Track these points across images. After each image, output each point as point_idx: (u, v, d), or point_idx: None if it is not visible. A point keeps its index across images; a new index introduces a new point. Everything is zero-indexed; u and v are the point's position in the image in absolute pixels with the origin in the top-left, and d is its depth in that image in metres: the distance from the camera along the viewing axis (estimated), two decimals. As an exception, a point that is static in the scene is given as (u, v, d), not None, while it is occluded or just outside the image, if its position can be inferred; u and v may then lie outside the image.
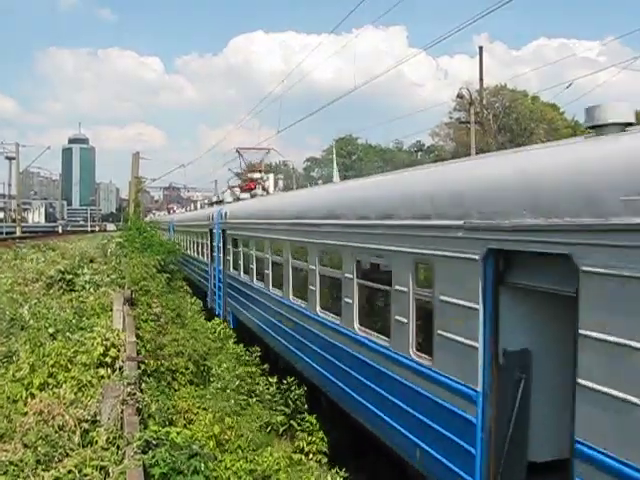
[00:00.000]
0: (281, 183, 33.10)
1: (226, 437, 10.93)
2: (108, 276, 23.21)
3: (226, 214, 26.08)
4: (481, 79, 44.08)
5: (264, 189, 29.77)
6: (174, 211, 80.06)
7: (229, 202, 32.15)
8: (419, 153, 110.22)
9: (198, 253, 35.39)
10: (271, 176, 31.75)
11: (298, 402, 13.74)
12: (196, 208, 63.86)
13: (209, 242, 30.32)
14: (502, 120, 77.88)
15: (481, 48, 44.65)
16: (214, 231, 28.53)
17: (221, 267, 26.92)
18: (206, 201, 59.22)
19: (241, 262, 22.49)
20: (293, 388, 14.03)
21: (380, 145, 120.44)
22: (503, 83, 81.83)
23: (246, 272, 21.79)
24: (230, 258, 24.99)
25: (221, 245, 26.70)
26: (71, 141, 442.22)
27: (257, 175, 32.95)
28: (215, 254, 28.34)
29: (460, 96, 46.24)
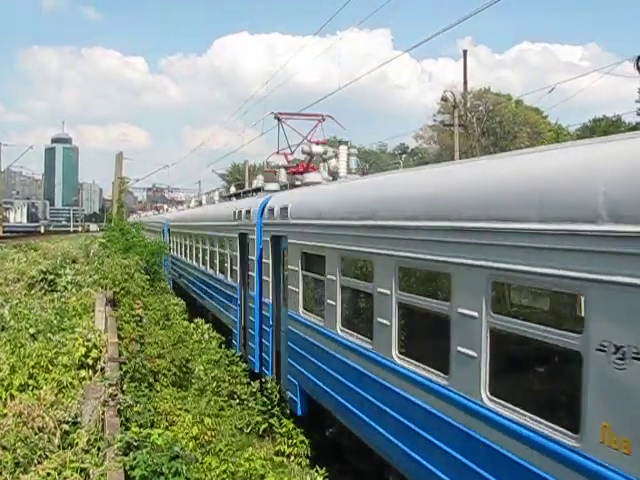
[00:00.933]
0: (354, 161, 17.99)
1: (207, 438, 10.91)
2: (90, 277, 23.07)
3: (284, 210, 14.11)
4: (465, 82, 44.36)
5: (331, 172, 17.19)
6: (165, 210, 69.11)
7: (274, 190, 19.36)
8: (403, 155, 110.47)
9: (214, 268, 23.92)
10: (343, 150, 17.52)
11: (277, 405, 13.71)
12: (182, 208, 57.89)
13: (238, 254, 19.28)
14: (486, 123, 78.23)
15: (465, 51, 45.02)
16: (250, 237, 17.45)
17: (270, 300, 15.71)
18: (217, 193, 41.33)
19: (325, 298, 11.37)
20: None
21: (364, 147, 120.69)
22: (487, 86, 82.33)
23: (349, 322, 10.84)
24: (297, 288, 13.27)
25: (269, 261, 15.57)
26: (54, 140, 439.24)
27: (319, 149, 19.36)
28: (254, 275, 17.16)
29: (444, 99, 46.49)
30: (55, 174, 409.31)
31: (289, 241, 13.64)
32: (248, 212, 17.79)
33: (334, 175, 16.88)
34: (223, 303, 21.88)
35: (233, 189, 34.58)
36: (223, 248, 22.05)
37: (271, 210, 15.24)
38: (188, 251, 31.70)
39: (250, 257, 17.49)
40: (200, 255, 27.50)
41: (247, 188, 27.08)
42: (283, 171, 20.67)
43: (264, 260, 16.03)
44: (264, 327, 16.11)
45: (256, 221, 16.69)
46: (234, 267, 20.00)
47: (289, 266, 13.72)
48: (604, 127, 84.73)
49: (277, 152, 23.21)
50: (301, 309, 13.00)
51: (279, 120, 23.54)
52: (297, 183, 18.80)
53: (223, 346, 19.05)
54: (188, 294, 30.68)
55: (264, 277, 16.11)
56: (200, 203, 44.49)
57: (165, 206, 70.51)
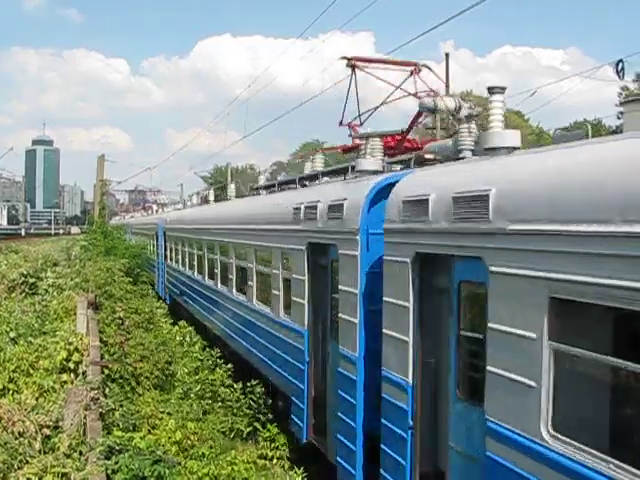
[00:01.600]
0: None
1: (189, 442, 10.87)
2: (72, 279, 22.95)
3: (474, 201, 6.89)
4: (447, 85, 44.50)
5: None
6: (155, 211, 56.14)
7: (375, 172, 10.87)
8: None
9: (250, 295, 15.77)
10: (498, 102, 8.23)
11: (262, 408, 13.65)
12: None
13: (307, 279, 11.79)
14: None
15: (447, 55, 45.03)
16: (343, 252, 9.94)
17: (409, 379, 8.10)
18: (212, 192, 32.83)
19: None
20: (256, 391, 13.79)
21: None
22: (469, 89, 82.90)
23: None
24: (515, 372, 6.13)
25: (409, 304, 8.07)
26: (35, 142, 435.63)
27: (449, 103, 9.46)
28: (353, 320, 9.66)
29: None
30: (36, 176, 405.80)
31: (491, 268, 6.31)
32: (337, 207, 10.25)
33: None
34: (271, 353, 13.78)
35: (212, 193, 31.39)
36: (270, 266, 14.14)
37: (408, 203, 8.18)
38: (198, 264, 23.32)
39: (343, 287, 9.92)
40: (219, 271, 19.66)
41: (311, 172, 15.68)
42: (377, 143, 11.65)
43: (387, 299, 8.57)
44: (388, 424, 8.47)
45: (359, 224, 9.46)
46: (297, 299, 12.23)
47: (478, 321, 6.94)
48: (585, 131, 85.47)
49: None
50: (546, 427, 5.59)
51: (354, 69, 15.23)
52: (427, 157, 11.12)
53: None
54: (198, 319, 23.05)
55: (388, 330, 8.55)
56: (206, 200, 33.06)
57: (154, 207, 64.47)
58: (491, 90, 8.18)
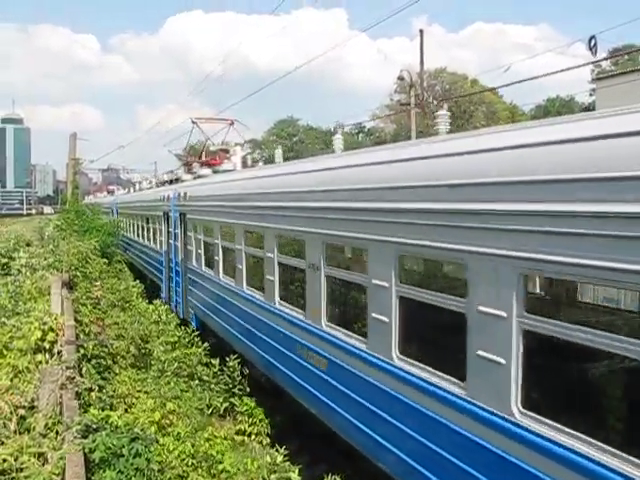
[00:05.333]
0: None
1: (167, 421, 10.88)
2: (45, 259, 22.72)
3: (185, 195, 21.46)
4: (421, 62, 44.44)
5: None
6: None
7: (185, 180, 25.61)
8: (360, 135, 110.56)
9: (149, 240, 29.94)
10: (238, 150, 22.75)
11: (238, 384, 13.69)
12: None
13: (164, 227, 24.94)
14: (442, 102, 78.75)
15: (421, 31, 44.89)
16: (170, 214, 23.52)
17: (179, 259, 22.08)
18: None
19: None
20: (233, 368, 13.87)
21: (321, 127, 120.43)
22: (443, 66, 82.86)
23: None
24: (199, 250, 19.32)
25: (179, 231, 22.01)
26: (4, 121, 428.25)
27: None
28: (172, 242, 23.27)
29: (401, 78, 46.54)
30: (6, 155, 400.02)
31: (188, 216, 19.68)
32: (168, 198, 23.09)
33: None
34: (153, 265, 27.84)
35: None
36: (153, 224, 27.34)
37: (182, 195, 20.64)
38: (133, 229, 35.21)
39: (170, 229, 22.69)
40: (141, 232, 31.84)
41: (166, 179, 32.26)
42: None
43: (176, 231, 21.53)
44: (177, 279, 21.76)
45: (172, 203, 22.08)
46: (161, 238, 24.98)
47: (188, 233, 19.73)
48: (558, 107, 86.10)
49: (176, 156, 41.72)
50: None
51: (195, 124, 28.48)
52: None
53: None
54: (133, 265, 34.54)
55: (176, 243, 21.69)
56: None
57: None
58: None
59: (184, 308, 20.53)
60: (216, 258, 15.87)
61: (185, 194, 19.86)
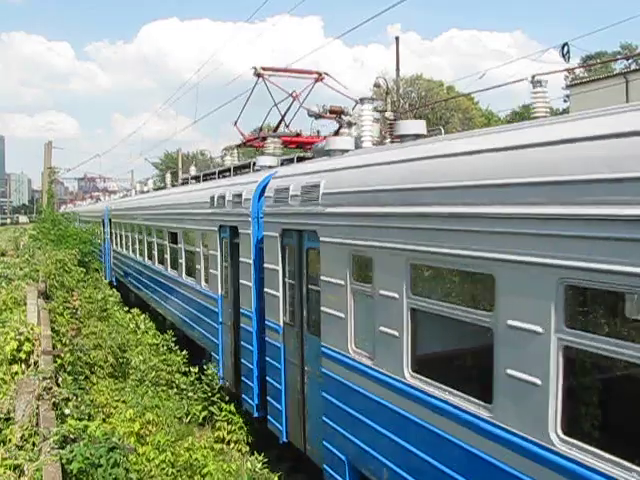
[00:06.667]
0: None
1: (147, 431, 10.82)
2: (21, 269, 22.48)
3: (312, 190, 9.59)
4: (397, 69, 44.72)
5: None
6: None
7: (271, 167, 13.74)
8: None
9: (176, 268, 19.04)
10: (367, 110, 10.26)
11: (217, 392, 13.65)
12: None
13: (219, 253, 14.39)
14: (418, 109, 79.21)
15: (397, 38, 45.16)
16: (243, 231, 12.78)
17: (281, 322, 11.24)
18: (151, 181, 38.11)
19: None
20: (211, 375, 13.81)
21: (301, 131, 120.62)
22: (419, 73, 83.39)
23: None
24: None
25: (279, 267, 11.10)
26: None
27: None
28: (248, 284, 12.58)
29: (377, 85, 46.79)
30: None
31: (322, 239, 8.92)
32: (238, 196, 12.75)
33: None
34: (193, 315, 16.60)
35: (169, 177, 30.30)
36: (191, 244, 16.86)
37: (282, 190, 10.42)
38: (136, 245, 26.03)
39: (243, 259, 12.53)
40: (156, 252, 21.89)
41: (220, 168, 18.71)
42: (277, 142, 15.37)
43: (267, 265, 11.21)
44: (270, 360, 11.31)
45: (251, 210, 11.98)
46: (212, 271, 14.67)
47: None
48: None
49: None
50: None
51: (262, 77, 17.24)
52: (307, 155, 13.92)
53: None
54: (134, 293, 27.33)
55: (268, 289, 11.27)
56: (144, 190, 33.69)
57: (101, 196, 59.76)
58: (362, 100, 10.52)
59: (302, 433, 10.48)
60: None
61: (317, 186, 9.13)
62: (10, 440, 8.46)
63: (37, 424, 8.71)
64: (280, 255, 10.66)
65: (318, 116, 14.11)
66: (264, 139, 16.03)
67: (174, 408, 12.78)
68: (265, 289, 11.33)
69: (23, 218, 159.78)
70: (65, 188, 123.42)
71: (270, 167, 13.32)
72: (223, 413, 12.87)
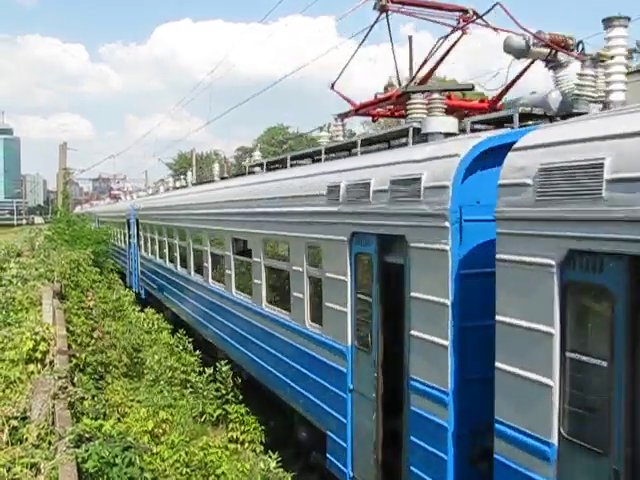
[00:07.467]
0: None
1: (161, 430, 10.86)
2: (36, 270, 22.62)
3: None
4: (410, 68, 44.58)
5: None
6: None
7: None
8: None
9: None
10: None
11: (232, 391, 13.67)
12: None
13: (349, 280, 9.00)
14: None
15: (411, 37, 45.04)
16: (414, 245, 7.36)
17: None
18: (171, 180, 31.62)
19: None
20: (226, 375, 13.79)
21: (311, 134, 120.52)
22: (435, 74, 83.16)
23: None
24: None
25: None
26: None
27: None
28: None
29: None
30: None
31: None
32: (407, 183, 7.50)
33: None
34: (287, 369, 11.27)
35: (190, 175, 27.84)
36: (280, 258, 12.12)
37: (555, 172, 5.19)
38: (176, 253, 21.09)
39: (419, 295, 7.29)
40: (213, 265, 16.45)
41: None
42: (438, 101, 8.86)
43: (508, 319, 5.70)
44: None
45: (450, 204, 6.68)
46: (332, 305, 9.48)
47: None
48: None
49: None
50: None
51: (384, 11, 11.33)
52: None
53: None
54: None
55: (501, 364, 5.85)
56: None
57: (122, 195, 55.46)
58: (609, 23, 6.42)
59: None
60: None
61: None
62: (27, 439, 8.53)
63: (53, 423, 8.78)
64: (558, 305, 5.13)
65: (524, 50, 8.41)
66: (406, 97, 10.07)
67: (188, 407, 12.82)
68: (498, 363, 5.79)
69: (38, 219, 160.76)
70: (80, 189, 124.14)
71: (447, 135, 8.21)
72: (236, 414, 12.89)
